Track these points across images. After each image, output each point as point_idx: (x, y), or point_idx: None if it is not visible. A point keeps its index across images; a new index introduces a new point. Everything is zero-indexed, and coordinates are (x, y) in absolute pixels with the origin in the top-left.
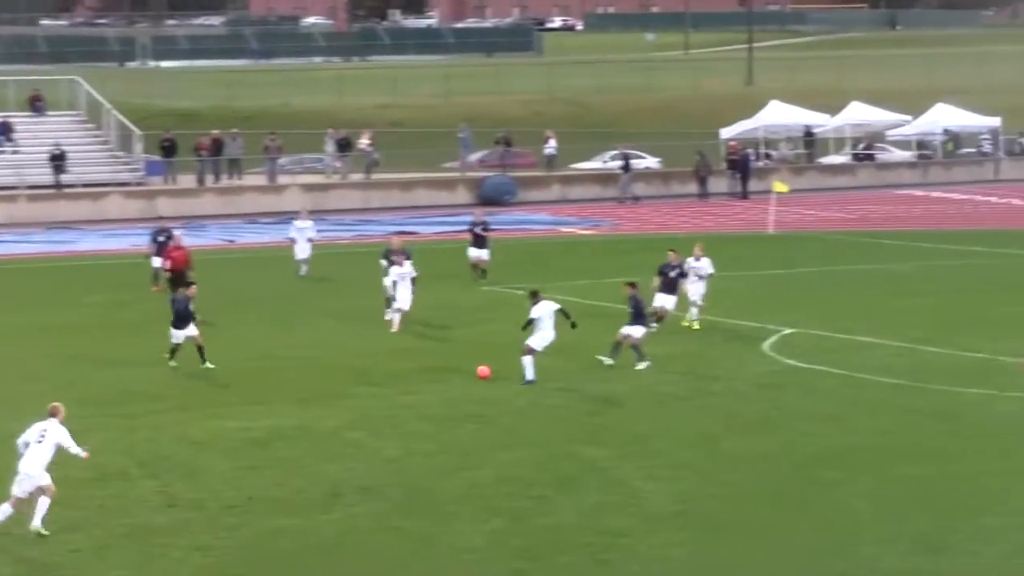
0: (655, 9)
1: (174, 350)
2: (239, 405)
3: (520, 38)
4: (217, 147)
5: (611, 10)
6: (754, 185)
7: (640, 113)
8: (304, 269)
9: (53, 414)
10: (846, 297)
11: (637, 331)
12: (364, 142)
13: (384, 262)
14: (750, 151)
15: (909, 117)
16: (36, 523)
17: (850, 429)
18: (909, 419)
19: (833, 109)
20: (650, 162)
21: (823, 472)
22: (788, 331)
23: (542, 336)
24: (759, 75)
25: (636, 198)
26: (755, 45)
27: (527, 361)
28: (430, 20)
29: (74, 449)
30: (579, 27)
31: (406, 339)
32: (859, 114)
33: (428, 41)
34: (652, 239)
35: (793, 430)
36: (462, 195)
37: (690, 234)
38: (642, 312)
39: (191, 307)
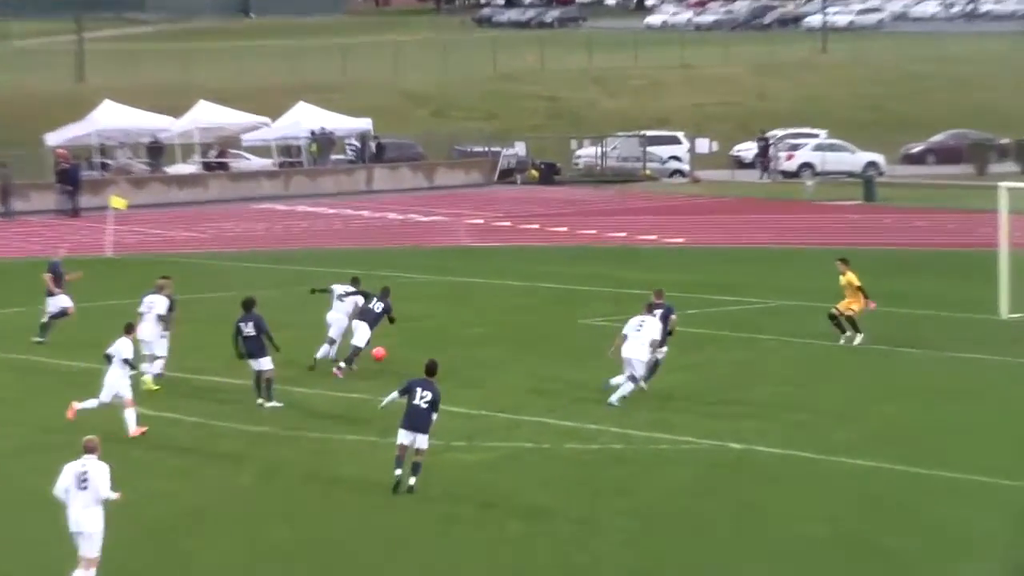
0: None
1: None
2: None
3: None
4: None
5: None
6: (88, 200)
7: None
8: None
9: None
10: (213, 330)
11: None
12: None
13: None
14: (82, 160)
15: (268, 119)
16: None
17: (206, 487)
18: (279, 478)
19: (179, 110)
20: None
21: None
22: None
23: None
24: (92, 70)
25: None
26: (88, 36)
27: None
28: None
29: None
30: None
31: None
32: (209, 115)
33: None
34: None
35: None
36: None
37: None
38: None
39: None
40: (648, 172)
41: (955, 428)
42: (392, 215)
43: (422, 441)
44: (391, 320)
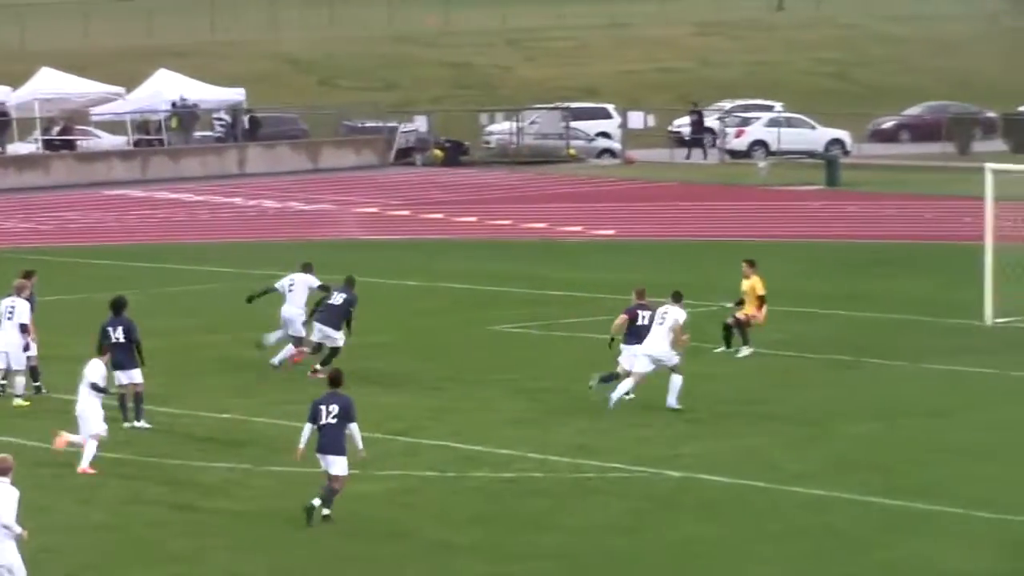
0: None
1: None
2: None
3: None
4: None
5: None
6: None
7: None
8: None
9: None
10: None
11: None
12: None
13: None
14: None
15: (122, 89)
16: None
17: (54, 525)
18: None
19: (15, 78)
20: None
21: None
22: None
23: None
24: None
25: None
26: None
27: None
28: None
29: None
30: None
31: None
32: (52, 84)
33: None
34: None
35: None
36: None
37: None
38: None
39: None
40: (572, 152)
41: (929, 452)
42: (269, 203)
43: (336, 465)
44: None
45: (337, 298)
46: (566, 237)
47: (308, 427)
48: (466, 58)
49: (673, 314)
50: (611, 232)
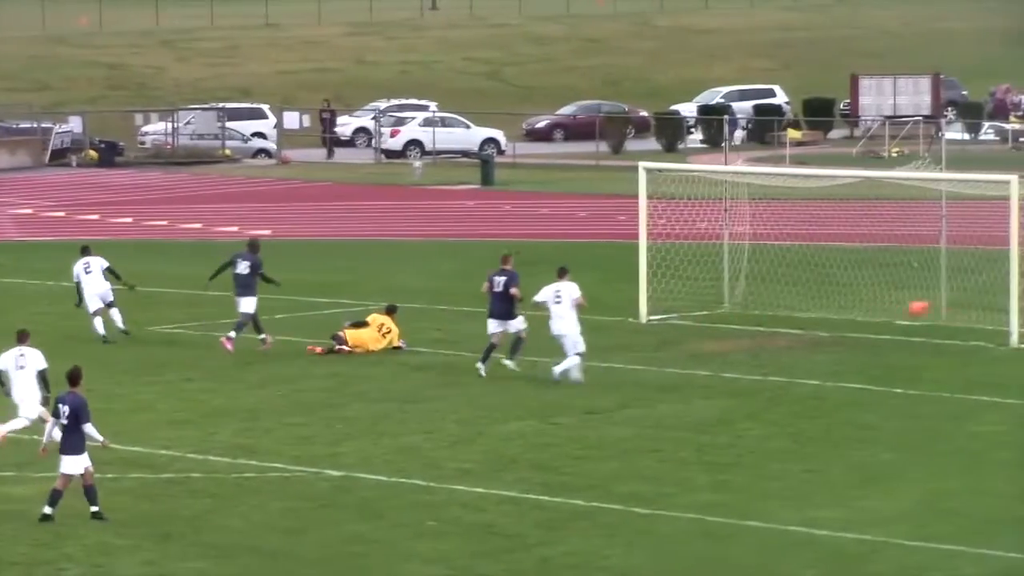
0: None
1: None
2: None
3: None
4: None
5: None
6: None
7: None
8: None
9: None
10: None
11: None
12: None
13: None
14: None
15: None
16: None
17: None
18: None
19: None
20: None
21: None
22: None
23: None
24: None
25: None
26: None
27: None
28: None
29: None
30: None
31: None
32: None
33: None
34: None
35: None
36: None
37: None
38: None
39: None
40: (228, 152)
41: (587, 448)
42: None
43: (77, 464)
44: (267, 280)
45: (242, 266)
46: (222, 237)
47: (49, 427)
48: (120, 58)
49: (567, 290)
50: (267, 232)
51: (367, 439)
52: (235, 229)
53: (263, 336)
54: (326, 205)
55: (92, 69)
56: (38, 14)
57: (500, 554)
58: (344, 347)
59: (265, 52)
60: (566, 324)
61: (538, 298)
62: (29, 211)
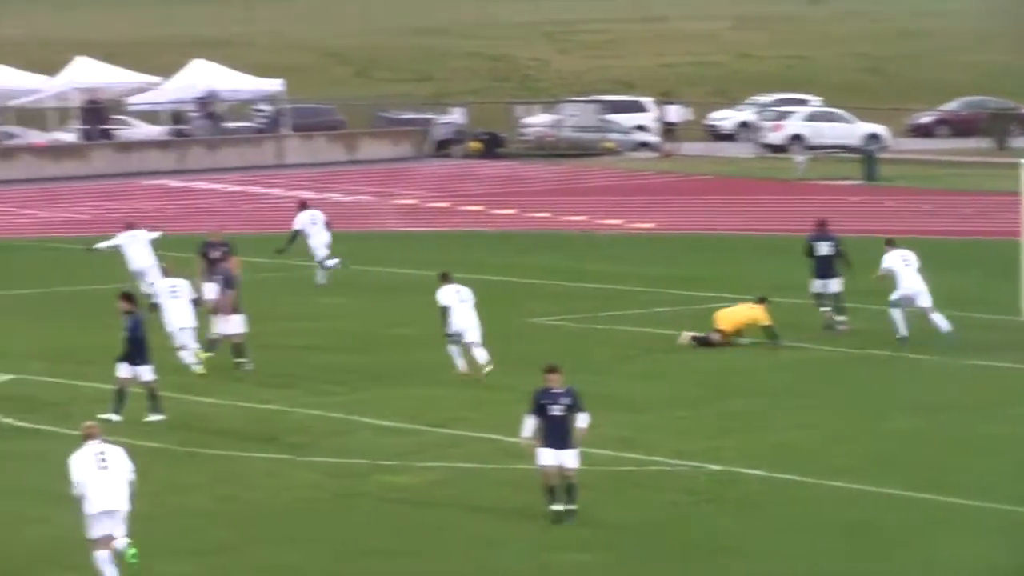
0: None
1: None
2: None
3: None
4: None
5: None
6: None
7: None
8: None
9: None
10: (76, 328)
11: None
12: None
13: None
14: None
15: (159, 78)
16: None
17: None
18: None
19: (53, 67)
20: None
21: None
22: (4, 378)
23: None
24: None
25: None
26: None
27: None
28: None
29: None
30: None
31: None
32: (89, 74)
33: None
34: None
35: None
36: None
37: None
38: None
39: None
40: (611, 144)
41: (964, 447)
42: (308, 194)
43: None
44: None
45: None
46: (605, 230)
47: (531, 419)
48: (502, 50)
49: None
50: (650, 225)
51: (746, 434)
52: (618, 222)
53: (840, 318)
54: (709, 199)
55: (475, 61)
56: (423, 5)
57: (879, 553)
58: (715, 335)
59: (648, 45)
60: (918, 281)
61: (885, 265)
62: (412, 201)
